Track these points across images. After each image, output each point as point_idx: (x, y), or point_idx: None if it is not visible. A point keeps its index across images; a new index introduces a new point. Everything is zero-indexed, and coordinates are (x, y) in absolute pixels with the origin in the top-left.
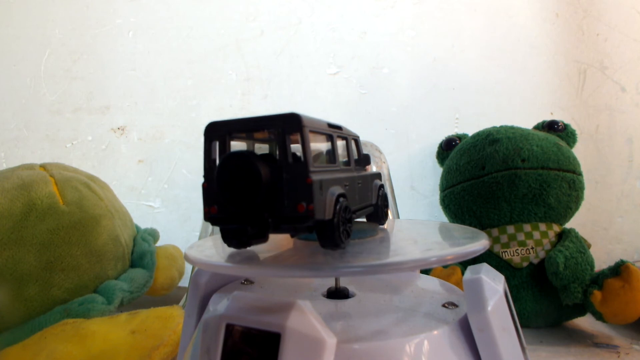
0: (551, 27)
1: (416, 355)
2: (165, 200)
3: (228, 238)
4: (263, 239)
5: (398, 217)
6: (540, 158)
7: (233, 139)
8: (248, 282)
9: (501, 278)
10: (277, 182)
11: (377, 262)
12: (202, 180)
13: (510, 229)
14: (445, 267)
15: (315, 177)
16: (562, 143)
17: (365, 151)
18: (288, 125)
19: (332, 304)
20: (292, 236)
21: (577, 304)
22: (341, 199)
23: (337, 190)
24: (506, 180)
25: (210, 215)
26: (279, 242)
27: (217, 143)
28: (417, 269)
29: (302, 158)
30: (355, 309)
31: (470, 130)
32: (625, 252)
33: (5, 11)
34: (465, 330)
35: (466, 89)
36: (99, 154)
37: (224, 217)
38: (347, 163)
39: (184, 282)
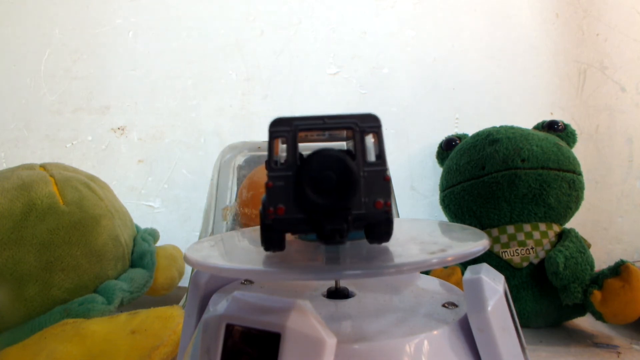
0: (551, 27)
1: (416, 355)
2: (165, 200)
3: (271, 242)
4: (345, 238)
5: (398, 217)
6: (540, 158)
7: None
8: (248, 282)
9: (501, 278)
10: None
11: (378, 264)
12: (202, 180)
13: (510, 229)
14: (445, 267)
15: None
16: (562, 143)
17: None
18: (367, 124)
19: (332, 304)
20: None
21: (577, 304)
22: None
23: None
24: (506, 180)
25: (275, 216)
26: None
27: (285, 140)
28: (418, 271)
29: (379, 156)
30: (356, 309)
31: (470, 130)
32: (625, 252)
33: (5, 11)
34: (465, 330)
35: (466, 89)
36: (99, 154)
37: (291, 218)
38: None
39: (184, 282)
